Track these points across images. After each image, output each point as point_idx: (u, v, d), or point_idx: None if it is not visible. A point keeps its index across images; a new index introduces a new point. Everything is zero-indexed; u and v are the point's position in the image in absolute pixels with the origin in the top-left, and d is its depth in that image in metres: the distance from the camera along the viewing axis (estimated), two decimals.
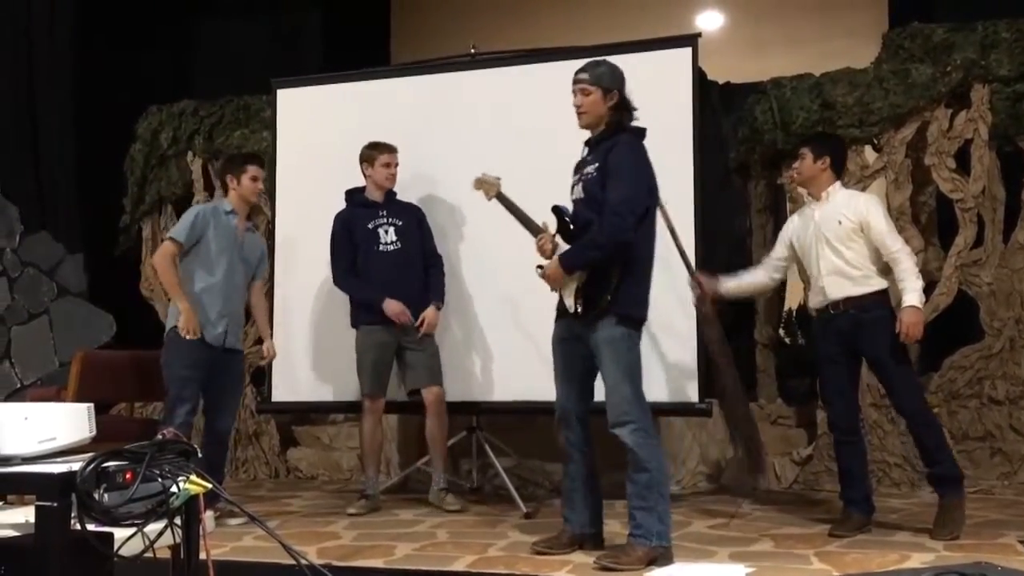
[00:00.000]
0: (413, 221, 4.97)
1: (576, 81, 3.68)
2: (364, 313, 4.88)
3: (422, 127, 5.19)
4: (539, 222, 3.83)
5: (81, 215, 6.89)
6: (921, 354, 5.52)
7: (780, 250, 4.30)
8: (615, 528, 3.89)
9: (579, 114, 3.68)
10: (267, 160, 6.02)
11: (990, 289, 5.19)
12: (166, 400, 4.53)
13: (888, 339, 3.92)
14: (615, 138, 3.63)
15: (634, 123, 3.72)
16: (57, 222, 6.86)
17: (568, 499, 3.79)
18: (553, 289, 3.71)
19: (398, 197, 5.03)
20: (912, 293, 3.87)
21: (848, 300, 3.99)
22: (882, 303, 4.01)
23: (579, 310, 3.58)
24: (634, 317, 3.60)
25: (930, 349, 5.49)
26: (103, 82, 6.83)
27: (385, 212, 4.95)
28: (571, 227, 3.67)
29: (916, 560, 3.49)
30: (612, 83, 3.65)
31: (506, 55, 5.45)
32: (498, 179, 4.16)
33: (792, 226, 4.29)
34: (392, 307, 4.75)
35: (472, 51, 5.44)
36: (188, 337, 4.40)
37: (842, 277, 4.00)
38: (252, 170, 4.69)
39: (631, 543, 3.50)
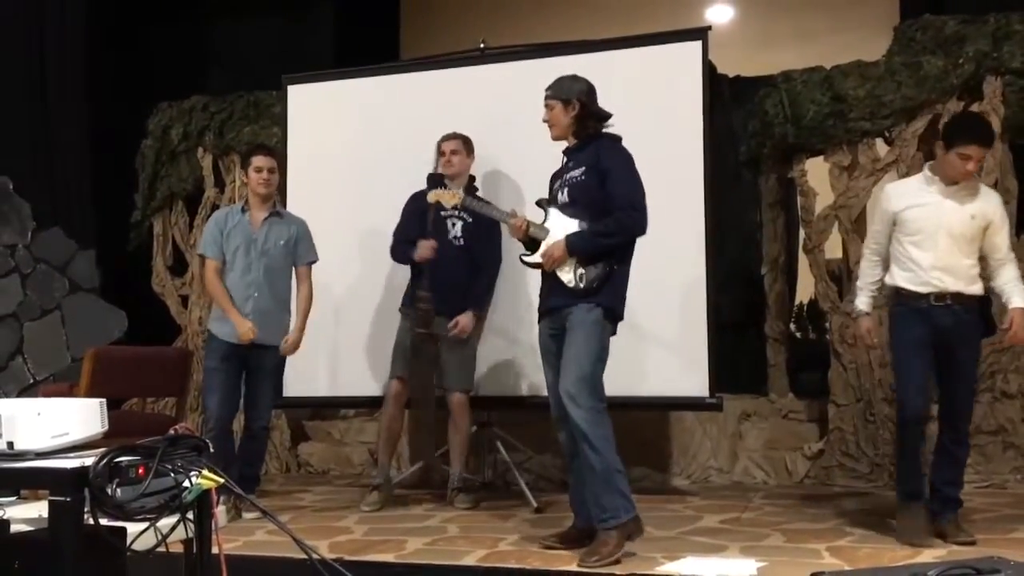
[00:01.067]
0: (484, 222, 4.67)
1: (544, 98, 3.83)
2: (406, 297, 4.86)
3: (432, 122, 5.19)
4: (507, 209, 3.98)
5: (93, 211, 6.90)
6: None
7: (885, 237, 3.93)
8: None
9: (549, 128, 3.84)
10: (277, 156, 6.05)
11: None
12: None
13: (977, 345, 3.83)
14: (597, 142, 3.75)
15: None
16: (69, 218, 6.87)
17: (575, 494, 3.81)
18: (548, 269, 3.73)
19: (480, 194, 4.77)
20: (1021, 297, 3.77)
21: (956, 295, 3.78)
22: (980, 307, 3.84)
23: (580, 284, 3.63)
24: (615, 311, 3.69)
25: None
26: (114, 78, 6.85)
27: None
28: (553, 212, 3.76)
29: (928, 555, 3.48)
30: (571, 94, 3.77)
31: (516, 50, 5.44)
32: (457, 191, 4.25)
33: (897, 201, 3.90)
34: (422, 250, 4.69)
35: (482, 46, 5.44)
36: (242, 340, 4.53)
37: (955, 273, 3.77)
38: (255, 161, 4.71)
39: (603, 532, 3.52)
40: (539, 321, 3.84)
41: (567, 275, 3.67)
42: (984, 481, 4.97)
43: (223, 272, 4.65)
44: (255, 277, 4.64)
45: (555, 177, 3.91)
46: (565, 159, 3.85)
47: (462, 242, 4.82)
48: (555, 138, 3.85)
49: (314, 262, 4.81)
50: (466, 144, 4.91)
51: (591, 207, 3.67)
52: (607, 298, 3.64)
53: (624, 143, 3.79)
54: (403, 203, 4.93)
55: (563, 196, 3.78)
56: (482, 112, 5.17)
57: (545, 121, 3.84)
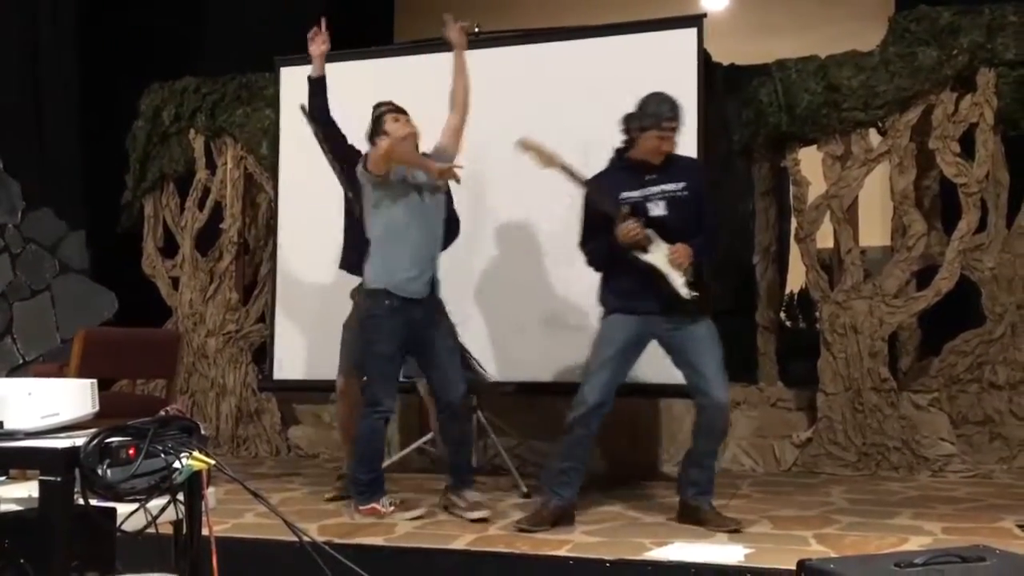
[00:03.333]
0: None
1: (673, 128, 3.81)
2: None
3: (425, 106, 5.15)
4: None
5: (84, 192, 6.88)
6: (922, 338, 5.53)
7: None
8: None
9: (667, 152, 3.83)
10: (269, 138, 6.03)
11: (992, 274, 5.18)
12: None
13: None
14: (683, 160, 3.92)
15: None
16: (60, 198, 6.85)
17: (566, 477, 3.88)
18: (675, 266, 3.74)
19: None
20: None
21: None
22: None
23: (695, 296, 3.76)
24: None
25: (931, 333, 5.49)
26: (107, 58, 6.81)
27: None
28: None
29: (914, 543, 3.50)
30: None
31: (511, 35, 5.43)
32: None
33: None
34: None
35: (476, 30, 5.41)
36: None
37: None
38: (389, 115, 4.25)
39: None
40: (632, 314, 3.83)
41: (684, 289, 3.75)
42: (970, 471, 5.00)
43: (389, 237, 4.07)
44: (432, 233, 4.15)
45: (632, 182, 3.82)
46: (642, 171, 3.82)
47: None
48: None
49: None
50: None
51: (686, 223, 3.76)
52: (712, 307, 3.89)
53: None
54: None
55: (660, 207, 3.79)
56: (476, 96, 5.15)
57: (670, 150, 3.82)
